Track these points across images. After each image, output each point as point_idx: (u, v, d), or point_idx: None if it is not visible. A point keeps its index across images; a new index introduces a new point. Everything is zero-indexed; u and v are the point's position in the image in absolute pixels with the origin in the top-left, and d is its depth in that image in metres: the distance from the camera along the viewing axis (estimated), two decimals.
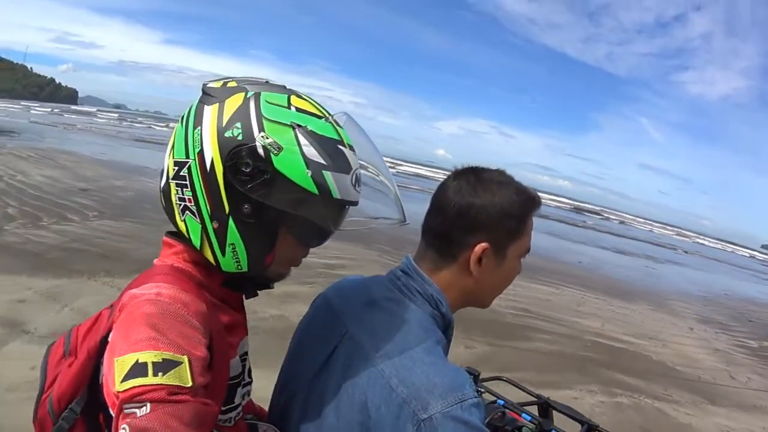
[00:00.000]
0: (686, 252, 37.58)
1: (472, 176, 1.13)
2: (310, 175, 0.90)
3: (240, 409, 1.07)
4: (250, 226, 0.92)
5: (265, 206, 0.91)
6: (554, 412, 1.81)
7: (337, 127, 0.96)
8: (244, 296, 1.08)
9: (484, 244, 1.09)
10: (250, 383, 1.13)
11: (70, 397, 0.94)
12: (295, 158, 0.89)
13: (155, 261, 1.02)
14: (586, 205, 69.48)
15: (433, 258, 1.14)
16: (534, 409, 1.78)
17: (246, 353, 1.09)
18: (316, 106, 0.97)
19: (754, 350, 10.33)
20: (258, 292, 1.08)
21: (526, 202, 1.13)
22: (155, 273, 0.95)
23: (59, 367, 1.00)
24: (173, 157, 0.95)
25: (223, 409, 0.97)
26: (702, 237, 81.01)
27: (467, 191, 1.11)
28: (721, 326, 11.95)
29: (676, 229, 77.45)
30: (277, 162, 0.88)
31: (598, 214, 60.01)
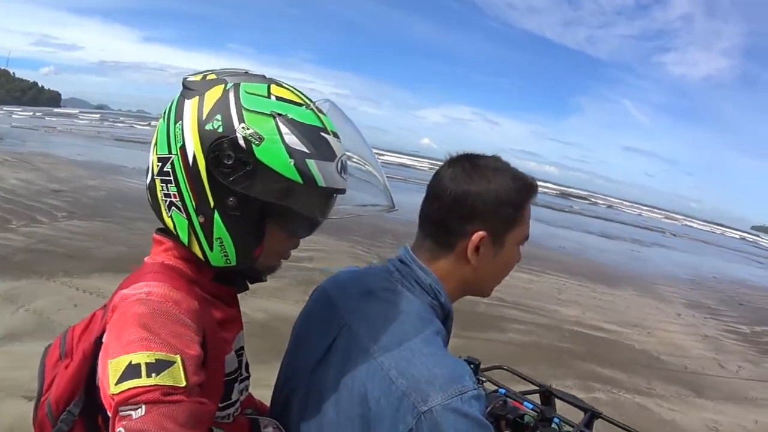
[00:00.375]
0: (674, 235, 37.06)
1: (467, 163, 1.12)
2: (293, 164, 0.88)
3: (238, 404, 1.06)
4: (235, 219, 0.91)
5: (249, 198, 0.89)
6: (557, 400, 1.79)
7: (320, 115, 0.95)
8: (236, 291, 1.08)
9: (481, 233, 1.08)
10: (247, 378, 1.13)
11: (68, 399, 0.94)
12: (276, 148, 0.88)
13: (145, 259, 1.01)
14: (573, 190, 69.19)
15: (430, 247, 1.13)
16: (536, 398, 1.76)
17: (242, 348, 1.09)
18: (297, 94, 0.96)
19: (746, 336, 9.89)
20: (249, 285, 1.08)
21: (523, 188, 1.12)
22: (146, 272, 0.95)
23: (56, 368, 0.99)
24: (156, 153, 0.94)
25: (221, 405, 0.98)
26: (691, 219, 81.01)
27: (463, 178, 1.09)
28: (710, 311, 11.51)
29: (664, 212, 77.29)
30: (259, 152, 0.87)
31: (586, 198, 60.05)
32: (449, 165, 1.13)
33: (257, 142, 0.87)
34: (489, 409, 1.54)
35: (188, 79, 0.96)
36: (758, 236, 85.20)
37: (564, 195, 56.28)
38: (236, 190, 0.89)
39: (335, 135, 0.96)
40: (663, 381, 6.36)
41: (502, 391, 1.73)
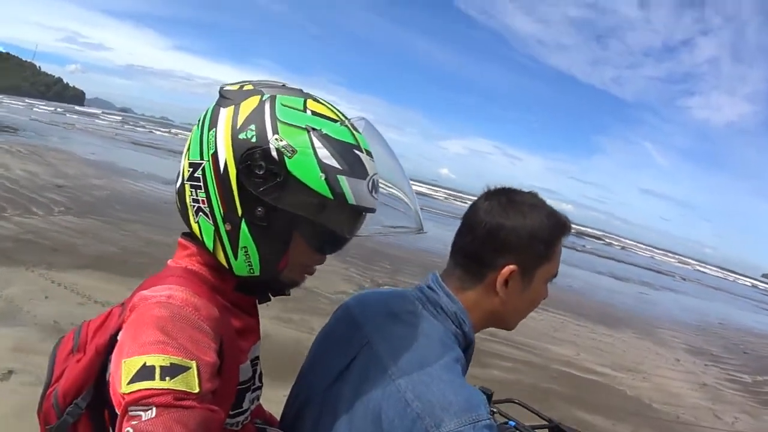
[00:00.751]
0: (684, 279, 36.52)
1: (504, 197, 1.14)
2: (324, 178, 0.88)
3: (248, 413, 1.06)
4: (262, 229, 0.92)
5: (278, 210, 0.89)
6: None
7: (354, 132, 0.95)
8: (257, 301, 1.08)
9: (512, 267, 1.09)
10: (260, 388, 1.13)
11: (76, 393, 0.94)
12: (309, 161, 0.88)
13: (169, 262, 1.02)
14: (588, 230, 68.33)
15: (460, 277, 1.14)
16: None
17: (257, 358, 1.10)
18: (333, 110, 0.96)
19: (747, 386, 9.57)
20: (271, 297, 1.08)
21: (557, 226, 1.13)
22: (168, 275, 0.95)
23: (67, 361, 1.00)
24: (188, 159, 0.95)
25: (231, 413, 0.98)
26: (703, 265, 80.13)
27: (498, 212, 1.11)
28: (712, 358, 11.17)
29: (677, 257, 76.36)
30: (291, 165, 0.88)
31: (600, 239, 59.53)
32: (486, 198, 1.16)
33: (290, 155, 0.88)
34: None
35: (225, 88, 0.97)
36: None
37: (579, 234, 55.75)
38: (265, 201, 0.89)
39: (369, 153, 0.96)
40: (651, 430, 6.12)
41: (512, 423, 1.75)
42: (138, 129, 60.60)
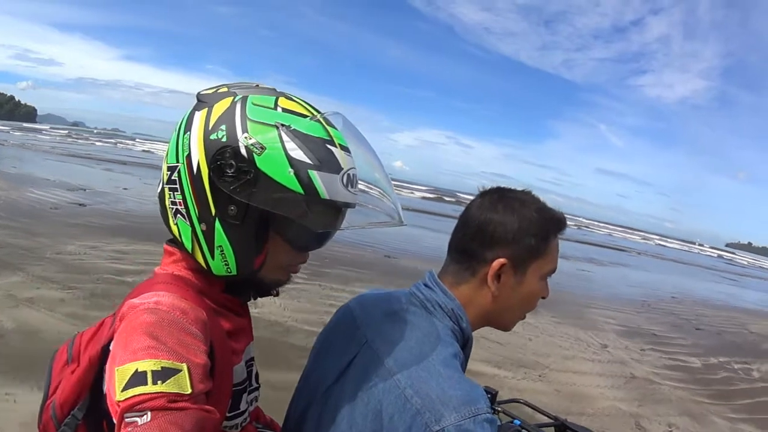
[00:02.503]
0: (640, 253, 34.69)
1: (496, 194, 1.18)
2: (293, 173, 0.89)
3: (246, 414, 1.07)
4: (236, 227, 0.93)
5: (250, 207, 0.91)
6: None
7: (328, 127, 0.95)
8: (245, 301, 1.11)
9: (502, 260, 1.12)
10: (257, 389, 1.15)
11: (72, 404, 0.96)
12: (278, 157, 0.89)
13: (156, 269, 1.04)
14: None
15: (454, 272, 1.17)
16: (551, 431, 1.78)
17: (252, 359, 1.12)
18: (306, 106, 0.97)
19: (693, 373, 7.45)
20: (258, 297, 1.10)
21: (548, 221, 1.16)
22: (155, 282, 0.98)
23: (62, 373, 1.02)
24: (167, 163, 0.97)
25: (228, 415, 1.00)
26: (666, 239, 79.40)
27: (488, 207, 1.15)
28: (652, 339, 9.05)
29: (639, 233, 75.90)
30: (260, 162, 0.89)
31: None
32: (480, 196, 1.19)
33: (258, 152, 0.89)
34: None
35: (201, 93, 0.99)
36: (734, 253, 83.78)
37: None
38: (237, 199, 0.90)
39: (344, 148, 0.95)
40: None
41: (517, 422, 1.71)
42: (80, 142, 59.03)
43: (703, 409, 5.97)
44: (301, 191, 0.89)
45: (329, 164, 0.92)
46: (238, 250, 0.95)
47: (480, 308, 1.15)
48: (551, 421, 1.81)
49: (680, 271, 27.32)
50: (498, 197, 1.16)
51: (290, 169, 0.89)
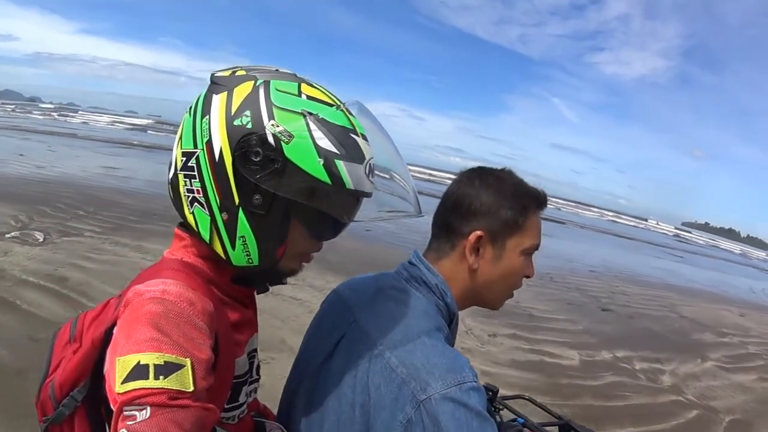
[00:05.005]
0: (582, 227, 32.49)
1: (474, 172, 1.22)
2: (322, 164, 0.89)
3: (245, 407, 1.08)
4: (260, 217, 0.92)
5: (276, 197, 0.90)
6: None
7: (350, 116, 0.96)
8: (255, 292, 1.11)
9: (478, 232, 1.14)
10: (257, 380, 1.15)
11: (72, 385, 0.95)
12: (306, 146, 0.89)
13: (165, 253, 1.03)
14: None
15: (435, 248, 1.21)
16: (555, 430, 1.77)
17: (255, 350, 1.11)
18: (328, 94, 0.97)
19: (557, 374, 5.34)
20: (269, 287, 1.10)
21: (525, 195, 1.18)
22: (164, 267, 0.96)
23: (64, 351, 1.01)
24: (181, 148, 0.95)
25: (227, 406, 1.00)
26: (619, 215, 78.10)
27: (466, 183, 1.19)
28: (521, 322, 6.87)
29: (593, 209, 74.57)
30: (288, 150, 0.88)
31: None
32: (459, 174, 1.24)
33: (287, 140, 0.88)
34: None
35: (216, 74, 0.97)
36: (690, 232, 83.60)
37: None
38: (263, 188, 0.89)
39: (364, 137, 0.96)
40: None
41: (521, 420, 1.69)
42: (21, 115, 54.72)
43: None
44: (329, 181, 0.89)
45: (353, 154, 0.91)
46: (262, 240, 0.93)
47: (462, 283, 1.17)
48: (555, 420, 1.78)
49: (620, 246, 25.40)
50: (476, 174, 1.19)
51: (320, 159, 0.88)
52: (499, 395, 1.76)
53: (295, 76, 0.98)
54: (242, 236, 0.93)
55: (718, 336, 8.63)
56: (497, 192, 1.15)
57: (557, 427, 1.77)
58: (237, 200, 0.91)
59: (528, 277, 1.22)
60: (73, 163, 15.10)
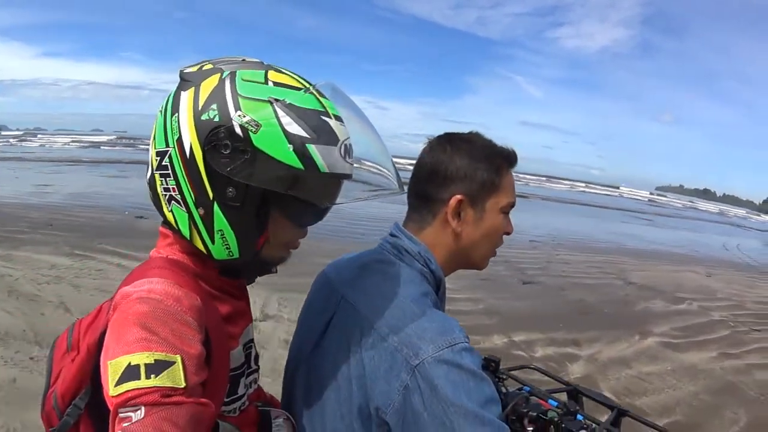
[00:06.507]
0: (544, 199, 30.95)
1: (444, 138, 1.21)
2: (292, 149, 0.87)
3: (245, 398, 1.07)
4: (236, 209, 0.91)
5: (249, 188, 0.89)
6: (585, 399, 1.70)
7: (321, 98, 0.94)
8: (245, 282, 1.11)
9: (458, 196, 1.14)
10: (256, 371, 1.14)
11: (74, 393, 0.96)
12: (275, 134, 0.87)
13: (151, 252, 1.04)
14: None
15: (415, 219, 1.20)
16: (563, 396, 1.63)
17: (251, 340, 1.11)
18: (297, 78, 0.96)
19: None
20: (257, 277, 1.11)
21: (497, 154, 1.18)
22: (150, 267, 0.96)
23: (63, 361, 1.01)
24: (155, 148, 0.96)
25: (226, 399, 0.99)
26: (591, 186, 78.71)
27: (437, 149, 1.18)
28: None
29: (565, 182, 74.72)
30: (257, 140, 0.87)
31: None
32: (429, 143, 1.21)
33: (254, 130, 0.86)
34: (511, 405, 1.40)
35: (185, 71, 0.97)
36: (665, 196, 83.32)
37: None
38: (235, 180, 0.88)
39: (338, 119, 0.94)
40: None
41: (527, 389, 1.55)
42: None
43: None
44: (301, 167, 0.87)
45: (326, 136, 0.89)
46: (240, 233, 0.92)
47: (446, 248, 1.17)
48: (563, 386, 1.76)
49: (585, 215, 24.12)
50: (446, 140, 1.19)
51: (289, 145, 0.86)
52: (501, 366, 1.66)
53: (262, 63, 0.97)
54: (220, 230, 0.92)
55: (672, 303, 7.31)
56: (470, 155, 1.14)
57: (565, 393, 1.69)
58: (211, 195, 0.89)
59: (508, 233, 1.22)
60: (6, 183, 14.82)
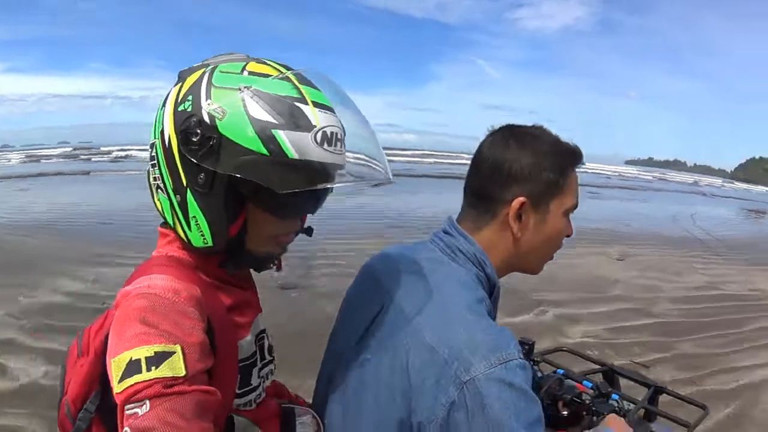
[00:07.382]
0: None
1: (506, 131, 1.16)
2: (255, 134, 0.88)
3: (261, 390, 1.07)
4: (205, 196, 0.93)
5: (217, 174, 0.91)
6: (622, 379, 1.81)
7: (300, 85, 0.93)
8: (252, 271, 1.12)
9: (521, 198, 1.10)
10: (270, 362, 1.14)
11: (84, 398, 0.97)
12: (239, 119, 0.89)
13: (153, 253, 1.05)
14: (434, 153, 66.33)
15: (472, 217, 1.16)
16: (598, 377, 1.73)
17: (263, 331, 1.12)
18: (276, 67, 0.96)
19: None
20: (258, 271, 1.11)
21: (563, 154, 1.14)
22: (150, 265, 0.98)
23: (75, 367, 1.02)
24: (149, 142, 1.00)
25: (239, 392, 1.00)
26: None
27: (500, 145, 1.13)
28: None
29: None
30: (222, 126, 0.89)
31: (444, 160, 55.08)
32: (490, 135, 1.17)
33: (220, 116, 0.88)
34: (545, 389, 1.47)
35: (182, 70, 1.00)
36: (636, 170, 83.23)
37: (424, 156, 54.96)
38: (204, 167, 0.90)
39: (318, 105, 0.92)
40: None
41: (561, 371, 1.70)
42: None
43: None
44: (266, 152, 0.87)
45: (297, 122, 0.88)
46: (211, 219, 0.94)
47: (504, 252, 1.14)
48: (598, 367, 1.80)
49: None
50: (509, 134, 1.14)
51: (251, 130, 0.87)
52: (535, 350, 1.72)
53: (248, 57, 0.98)
54: (194, 216, 0.94)
55: (510, 313, 5.56)
56: (535, 153, 1.10)
57: (601, 374, 1.74)
58: (185, 181, 0.92)
59: (568, 236, 1.19)
60: None
